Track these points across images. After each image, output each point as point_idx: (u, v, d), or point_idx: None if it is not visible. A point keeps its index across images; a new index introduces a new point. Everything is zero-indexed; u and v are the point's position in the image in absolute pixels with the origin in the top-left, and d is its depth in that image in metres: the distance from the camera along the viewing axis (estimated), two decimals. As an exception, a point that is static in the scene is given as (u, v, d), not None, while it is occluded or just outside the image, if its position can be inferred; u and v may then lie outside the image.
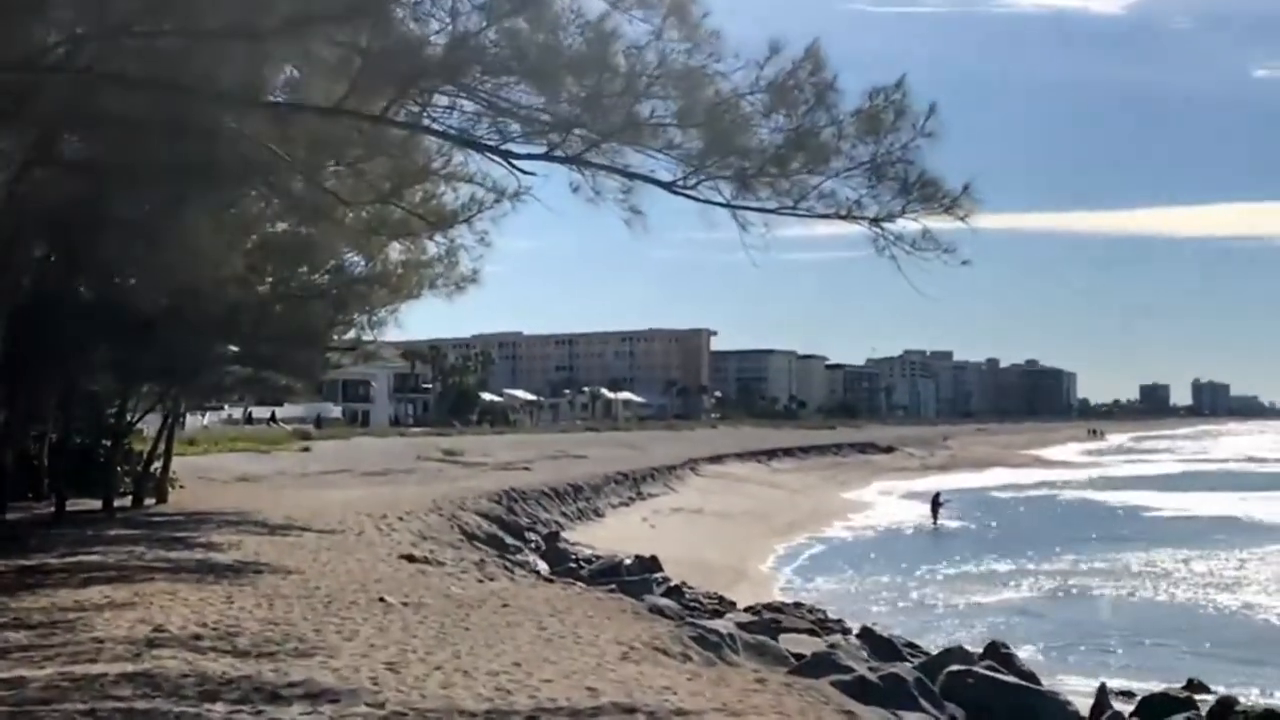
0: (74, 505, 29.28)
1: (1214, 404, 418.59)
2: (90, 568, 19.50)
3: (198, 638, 13.74)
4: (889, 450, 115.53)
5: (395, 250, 25.25)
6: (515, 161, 12.94)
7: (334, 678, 12.08)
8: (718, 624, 18.50)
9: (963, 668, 18.01)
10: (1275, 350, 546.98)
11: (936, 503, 59.47)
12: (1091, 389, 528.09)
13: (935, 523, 57.05)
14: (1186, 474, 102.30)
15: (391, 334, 33.63)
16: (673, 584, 28.27)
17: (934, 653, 23.84)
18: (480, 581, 21.92)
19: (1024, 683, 18.88)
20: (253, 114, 14.32)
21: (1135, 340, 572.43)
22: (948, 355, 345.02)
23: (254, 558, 21.76)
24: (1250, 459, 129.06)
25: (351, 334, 33.50)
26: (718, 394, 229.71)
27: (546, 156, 12.60)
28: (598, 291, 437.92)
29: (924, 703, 15.55)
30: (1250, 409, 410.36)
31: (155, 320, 25.88)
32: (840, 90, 11.91)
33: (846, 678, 15.40)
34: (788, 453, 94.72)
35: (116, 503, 30.98)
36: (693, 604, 25.55)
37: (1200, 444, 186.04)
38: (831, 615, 28.63)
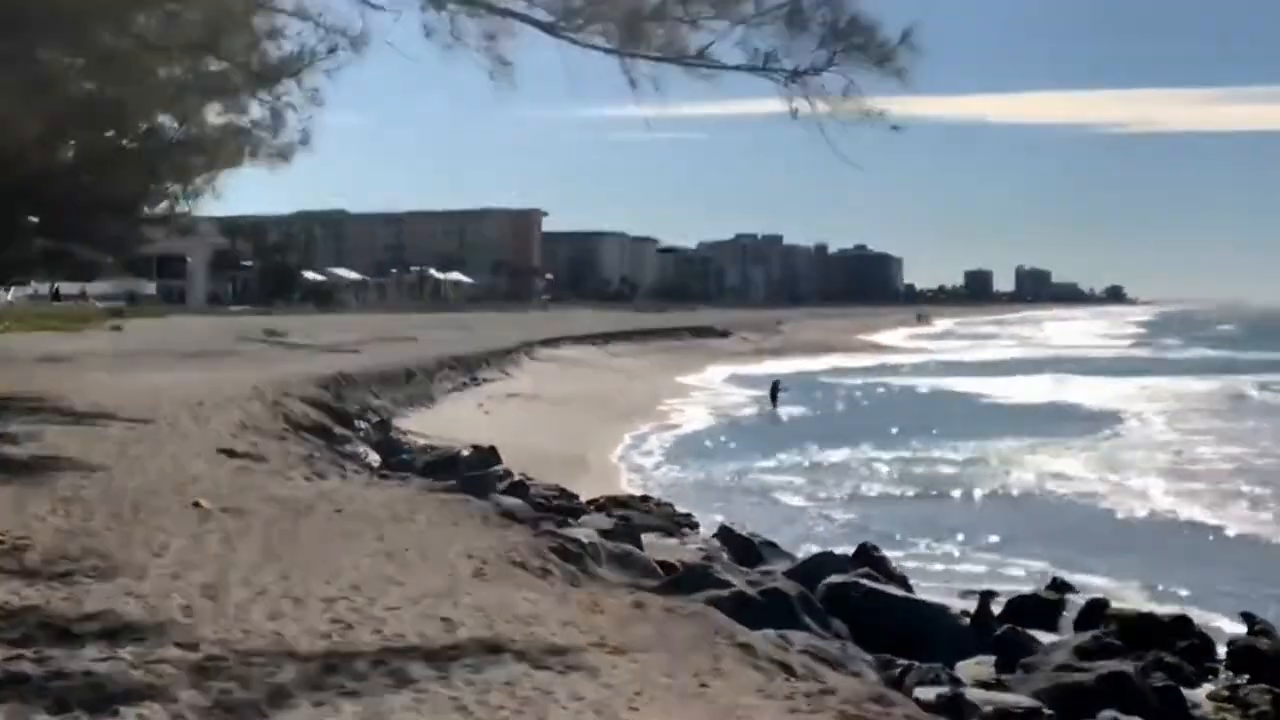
0: None
1: (1036, 291, 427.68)
2: None
3: (-23, 555, 11.73)
4: (725, 335, 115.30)
5: (214, 113, 22.91)
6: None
7: (139, 607, 10.22)
8: (579, 532, 16.89)
9: (844, 579, 16.69)
10: (1093, 238, 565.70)
11: (776, 389, 58.83)
12: (918, 275, 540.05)
13: (775, 409, 56.36)
14: (1015, 360, 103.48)
15: (210, 207, 31.30)
16: (515, 479, 26.66)
17: (793, 552, 22.86)
18: (309, 480, 19.94)
19: (909, 595, 17.70)
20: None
21: (960, 227, 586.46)
22: (778, 239, 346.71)
23: (53, 451, 19.46)
24: (1074, 345, 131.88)
25: (165, 205, 31.07)
26: (549, 275, 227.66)
27: (398, -14, 10.61)
28: (429, 171, 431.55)
29: (809, 620, 14.18)
30: (1070, 295, 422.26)
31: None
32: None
33: (724, 594, 13.96)
34: (625, 336, 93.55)
35: (-97, 386, 28.29)
36: (539, 501, 24.01)
37: (1025, 329, 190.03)
38: (680, 510, 27.45)
